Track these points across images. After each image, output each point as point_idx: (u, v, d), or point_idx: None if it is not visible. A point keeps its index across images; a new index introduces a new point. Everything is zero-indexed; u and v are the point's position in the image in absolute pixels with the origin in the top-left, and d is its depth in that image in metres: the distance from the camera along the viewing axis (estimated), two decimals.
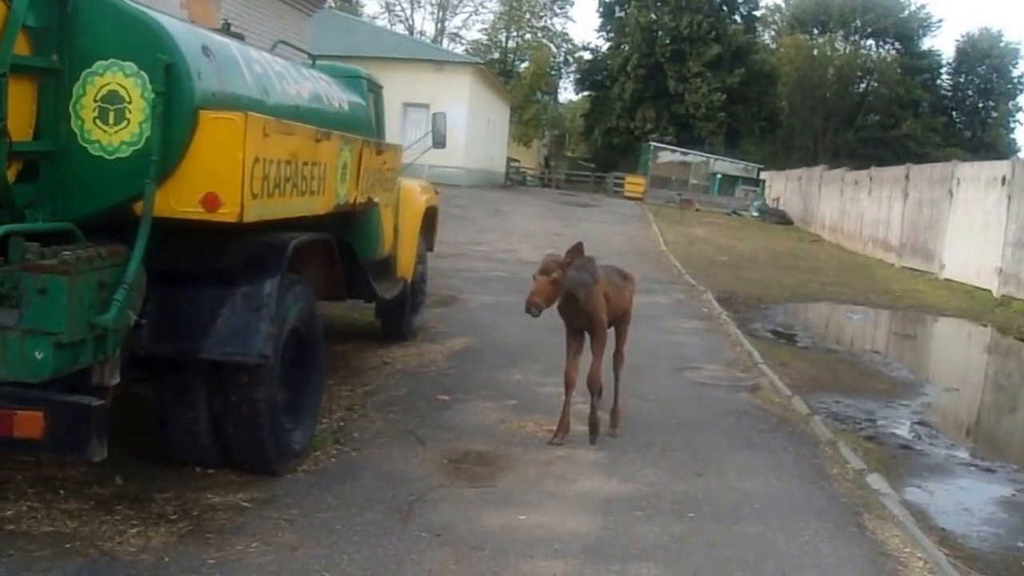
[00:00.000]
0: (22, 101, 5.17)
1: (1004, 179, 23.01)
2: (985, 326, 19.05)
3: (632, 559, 5.54)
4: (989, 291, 22.62)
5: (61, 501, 5.76)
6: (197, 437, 6.13)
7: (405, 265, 10.40)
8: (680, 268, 22.75)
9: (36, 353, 4.66)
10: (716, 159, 62.46)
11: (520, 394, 9.13)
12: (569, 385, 7.73)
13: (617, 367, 8.50)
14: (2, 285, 4.65)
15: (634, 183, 55.88)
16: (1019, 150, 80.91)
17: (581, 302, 7.47)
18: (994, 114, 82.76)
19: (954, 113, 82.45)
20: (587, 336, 7.84)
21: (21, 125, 5.15)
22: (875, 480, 7.47)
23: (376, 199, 8.49)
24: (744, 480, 7.22)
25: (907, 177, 30.99)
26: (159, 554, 5.17)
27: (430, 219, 11.66)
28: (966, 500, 7.97)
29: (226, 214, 5.40)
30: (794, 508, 6.75)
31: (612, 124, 68.35)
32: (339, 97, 8.24)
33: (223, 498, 5.96)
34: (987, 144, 75.85)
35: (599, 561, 5.53)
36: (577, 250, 7.39)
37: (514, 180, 58.81)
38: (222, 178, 5.38)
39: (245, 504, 5.91)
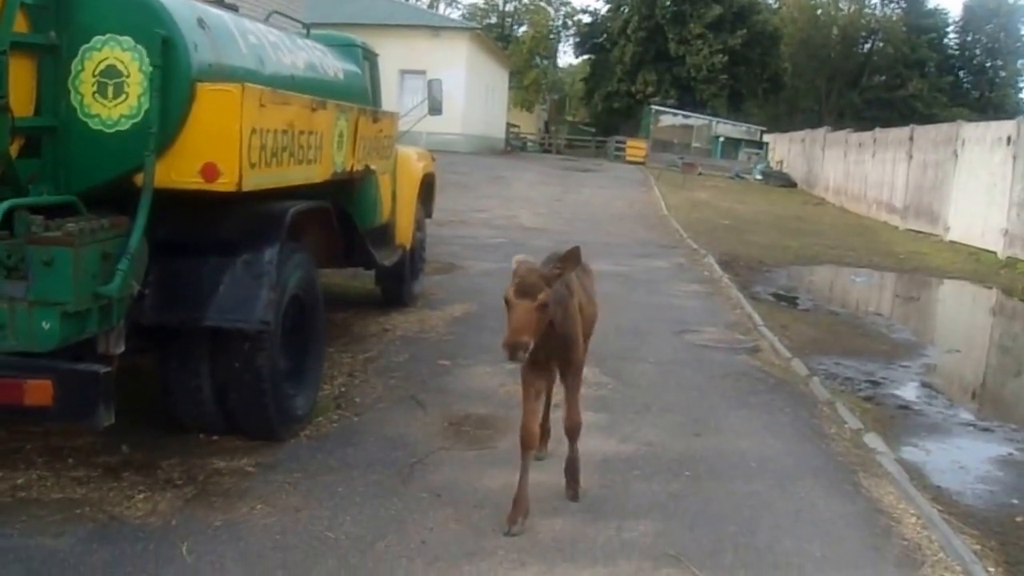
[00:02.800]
0: (22, 78, 5.33)
1: (1009, 139, 23.07)
2: (990, 288, 19.18)
3: (629, 516, 5.74)
4: (994, 253, 22.73)
5: (70, 469, 5.96)
6: (201, 405, 6.32)
7: (403, 232, 10.57)
8: (682, 232, 22.91)
9: (43, 323, 4.85)
10: (718, 122, 62.39)
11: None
12: (529, 444, 5.58)
13: (572, 417, 5.98)
14: (9, 258, 4.82)
15: (635, 147, 55.96)
16: None
17: (557, 325, 5.33)
18: (1002, 73, 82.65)
19: (961, 73, 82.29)
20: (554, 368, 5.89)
21: (22, 101, 5.31)
22: (872, 439, 7.66)
23: (373, 167, 8.65)
24: (741, 440, 7.42)
25: (911, 138, 31.08)
26: (167, 518, 5.37)
27: (428, 186, 11.83)
28: (962, 459, 8.16)
29: (225, 184, 5.58)
30: (790, 467, 6.95)
31: (612, 88, 68.33)
32: (334, 66, 8.38)
33: (228, 463, 6.16)
34: (995, 104, 75.81)
35: (597, 519, 5.74)
36: (572, 258, 5.27)
37: (514, 146, 58.89)
38: (220, 149, 5.55)
39: (249, 469, 6.11)
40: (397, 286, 11.12)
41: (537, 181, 34.62)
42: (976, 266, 21.71)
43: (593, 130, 72.22)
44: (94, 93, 5.53)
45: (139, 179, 5.48)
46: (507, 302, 4.99)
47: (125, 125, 5.53)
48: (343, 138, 7.54)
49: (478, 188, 29.12)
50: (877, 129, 37.44)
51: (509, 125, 61.29)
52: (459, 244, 17.44)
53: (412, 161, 11.02)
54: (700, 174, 47.09)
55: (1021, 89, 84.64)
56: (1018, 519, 6.69)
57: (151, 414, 6.61)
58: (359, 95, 8.83)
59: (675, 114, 61.92)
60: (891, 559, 5.58)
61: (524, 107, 70.22)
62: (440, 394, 8.07)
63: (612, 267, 15.64)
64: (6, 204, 4.85)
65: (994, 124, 26.33)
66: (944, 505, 6.62)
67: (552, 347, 5.43)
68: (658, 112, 61.45)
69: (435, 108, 10.97)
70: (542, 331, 5.06)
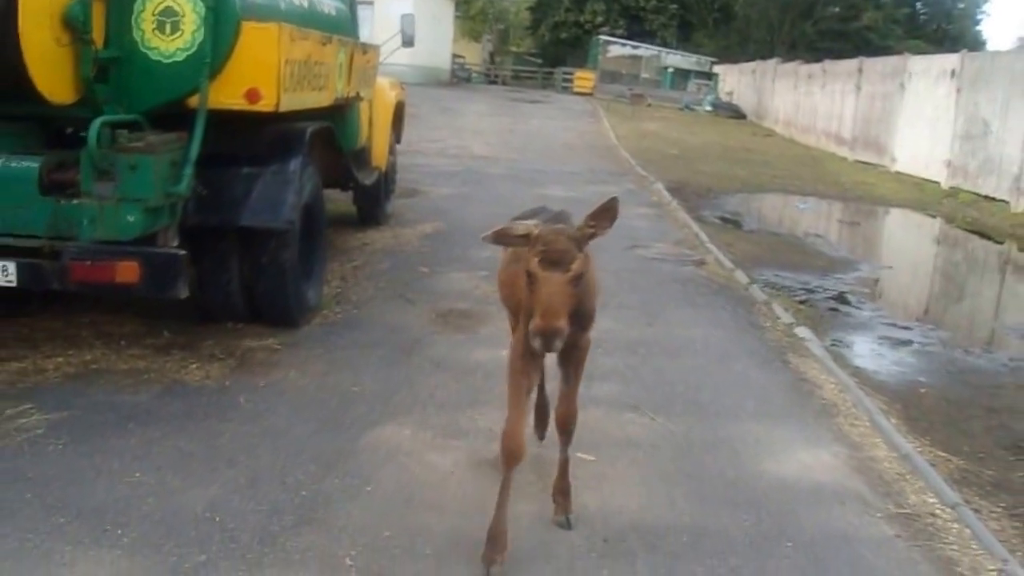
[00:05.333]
0: (95, 17, 6.72)
1: (953, 72, 24.79)
2: (933, 216, 20.99)
3: (596, 380, 7.29)
4: (938, 183, 24.52)
5: (125, 349, 7.38)
6: (231, 296, 7.77)
7: (379, 155, 12.04)
8: (631, 161, 24.54)
9: (128, 217, 6.30)
10: (668, 53, 63.81)
11: (490, 267, 10.77)
12: (513, 457, 4.62)
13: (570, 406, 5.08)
14: (101, 164, 6.27)
15: (583, 78, 57.36)
16: (986, 43, 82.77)
17: (579, 296, 4.30)
18: (960, 5, 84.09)
19: (918, 4, 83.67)
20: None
21: (95, 37, 6.72)
22: (802, 331, 9.30)
23: (362, 94, 10.13)
24: (688, 329, 9.06)
25: (860, 71, 32.79)
26: (220, 381, 6.86)
27: (399, 113, 13.33)
28: (880, 349, 9.86)
29: (265, 105, 7.07)
30: (729, 349, 8.61)
31: (560, 18, 69.37)
32: (329, 4, 9.78)
33: (258, 343, 7.65)
34: (952, 36, 77.23)
35: None
36: (609, 213, 4.26)
37: (459, 77, 60.00)
38: (261, 76, 7.03)
39: (276, 347, 7.61)
40: (373, 205, 12.64)
41: (486, 112, 36.06)
42: (920, 195, 23.51)
43: (540, 61, 73.38)
44: (154, 29, 6.94)
45: (192, 101, 6.93)
46: (531, 276, 4.12)
47: (180, 56, 6.95)
48: (342, 68, 8.99)
49: (428, 119, 30.43)
50: (826, 61, 39.06)
51: (454, 56, 62.32)
52: (418, 172, 18.86)
53: (386, 90, 12.49)
54: (649, 105, 48.68)
55: (980, 21, 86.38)
56: (921, 391, 8.37)
57: (181, 311, 8.04)
58: (348, 29, 10.25)
59: (623, 45, 63.22)
60: (811, 411, 7.23)
61: (471, 37, 71.13)
62: (424, 294, 9.61)
63: (565, 192, 17.21)
64: (99, 120, 6.27)
65: (939, 58, 28.02)
66: (860, 379, 8.26)
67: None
68: (606, 43, 62.72)
69: (407, 41, 12.36)
70: (575, 307, 4.25)
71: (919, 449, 6.60)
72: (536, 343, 4.06)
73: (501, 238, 4.36)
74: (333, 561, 4.55)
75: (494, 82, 62.93)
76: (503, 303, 5.56)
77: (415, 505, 5.17)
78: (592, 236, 4.29)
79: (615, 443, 6.22)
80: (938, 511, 5.63)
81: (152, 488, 5.15)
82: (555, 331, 4.01)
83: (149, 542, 4.60)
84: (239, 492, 5.18)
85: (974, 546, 5.24)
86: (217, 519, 4.86)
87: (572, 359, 4.98)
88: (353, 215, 12.85)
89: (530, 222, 4.37)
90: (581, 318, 4.63)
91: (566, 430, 5.11)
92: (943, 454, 6.66)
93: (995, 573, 4.97)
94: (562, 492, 5.15)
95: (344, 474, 5.48)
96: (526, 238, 4.23)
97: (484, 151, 24.22)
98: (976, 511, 5.71)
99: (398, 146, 14.22)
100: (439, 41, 55.57)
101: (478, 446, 5.97)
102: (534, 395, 5.34)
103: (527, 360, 4.69)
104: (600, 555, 4.79)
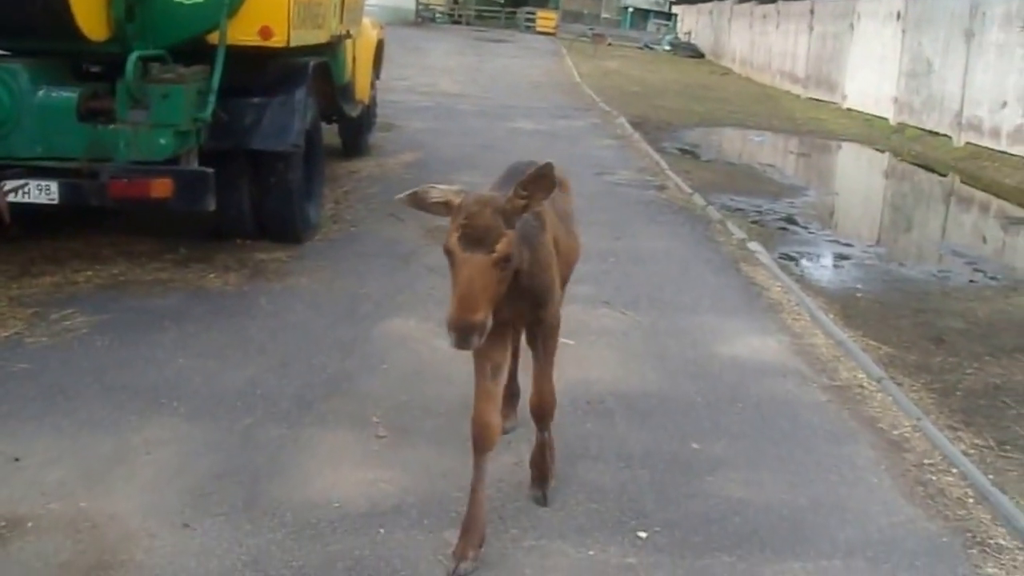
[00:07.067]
0: None
1: (899, 14, 25.66)
2: (880, 151, 21.96)
3: (572, 284, 7.94)
4: (886, 119, 25.49)
5: (147, 263, 8.11)
6: (241, 214, 8.52)
7: (363, 89, 12.76)
8: (595, 97, 25.38)
9: (161, 140, 7.07)
10: None
11: (470, 190, 11.67)
12: (483, 443, 4.15)
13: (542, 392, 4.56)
14: (137, 93, 7.03)
15: (546, 18, 57.93)
16: None
17: (524, 274, 3.82)
18: None
19: None
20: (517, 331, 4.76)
21: None
22: (754, 245, 10.20)
23: (352, 32, 10.87)
24: (651, 242, 9.96)
25: (812, 11, 33.59)
26: (238, 287, 7.66)
27: (379, 51, 14.08)
28: (823, 261, 10.83)
29: (277, 41, 7.84)
30: (688, 258, 9.54)
31: None
32: None
33: (268, 255, 8.43)
34: None
35: None
36: (544, 180, 3.62)
37: (424, 17, 60.29)
38: (274, 14, 7.79)
39: (285, 259, 8.41)
40: (356, 137, 13.43)
41: (452, 51, 36.71)
42: (869, 131, 24.48)
43: (503, 1, 73.63)
44: None
45: (212, 38, 7.64)
46: (449, 254, 3.51)
47: None
48: (336, 8, 9.73)
49: (396, 58, 30.74)
50: (780, 2, 39.73)
51: None
52: (391, 108, 19.49)
53: (368, 28, 13.19)
54: (610, 45, 49.32)
55: None
56: (858, 295, 9.30)
57: (193, 231, 8.81)
58: None
59: None
60: (759, 308, 8.14)
61: None
62: (412, 213, 10.17)
63: (534, 126, 18.10)
64: (135, 55, 7.02)
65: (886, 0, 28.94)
66: (803, 284, 9.18)
67: (517, 302, 3.89)
68: None
69: None
70: (502, 293, 3.60)
71: (852, 338, 7.52)
72: (451, 339, 3.40)
73: (417, 202, 3.77)
74: (361, 420, 5.39)
75: (458, 22, 63.29)
76: None
77: (427, 378, 6.03)
78: (525, 209, 3.64)
79: (591, 331, 7.10)
80: (865, 384, 6.55)
81: (196, 371, 5.95)
82: (470, 326, 3.36)
83: (202, 411, 5.39)
84: (272, 372, 6.00)
85: (894, 409, 6.16)
86: (258, 392, 5.67)
87: (537, 336, 4.42)
88: (338, 146, 13.59)
89: (453, 187, 3.74)
90: (535, 295, 4.02)
91: (542, 416, 4.61)
92: (873, 343, 7.58)
93: (910, 428, 5.89)
94: (538, 466, 4.71)
95: (362, 356, 6.34)
96: (446, 206, 3.64)
97: (453, 88, 24.95)
98: (899, 385, 6.63)
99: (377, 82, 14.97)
100: None
101: None
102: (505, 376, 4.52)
103: (490, 345, 3.83)
104: (584, 413, 5.67)
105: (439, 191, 3.70)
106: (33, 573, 3.79)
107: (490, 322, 3.46)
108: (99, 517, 4.19)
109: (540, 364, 4.48)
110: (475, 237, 3.45)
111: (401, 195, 3.82)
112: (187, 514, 4.26)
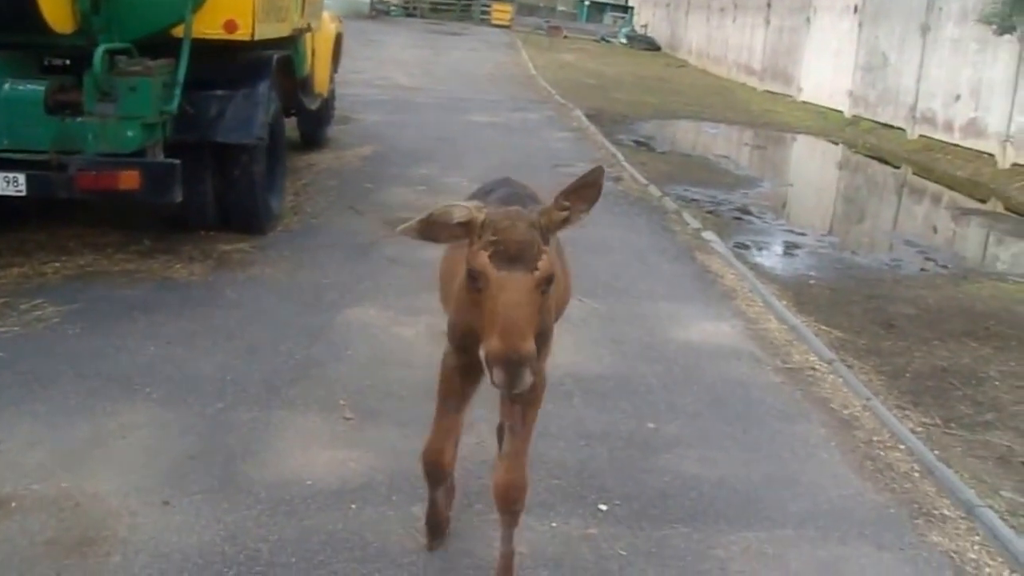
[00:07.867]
0: None
1: (856, 8, 26.05)
2: (835, 143, 22.32)
3: None
4: (841, 112, 25.82)
5: (113, 255, 8.23)
6: (205, 206, 8.67)
7: (321, 83, 12.92)
8: (550, 90, 25.58)
9: (128, 132, 7.22)
10: None
11: (428, 183, 11.92)
12: (435, 475, 3.92)
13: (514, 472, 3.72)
14: (104, 86, 7.18)
15: (501, 11, 57.94)
16: None
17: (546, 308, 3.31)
18: None
19: None
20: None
21: None
22: (708, 235, 10.49)
23: (312, 26, 11.05)
24: (607, 231, 10.17)
25: (769, 5, 33.87)
26: (204, 277, 7.82)
27: (338, 45, 14.21)
28: (776, 250, 11.12)
29: (242, 34, 8.01)
30: (643, 247, 9.81)
31: None
32: None
33: (231, 246, 8.59)
34: None
35: None
36: (593, 187, 3.29)
37: (378, 10, 60.19)
38: (238, 8, 7.97)
39: (249, 249, 8.57)
40: (315, 129, 13.59)
41: (407, 44, 36.78)
42: (824, 123, 24.84)
43: None
44: None
45: (177, 31, 7.81)
46: (480, 278, 3.01)
47: None
48: (297, 2, 9.91)
49: (351, 51, 30.58)
50: None
51: None
52: (348, 101, 19.57)
53: (327, 22, 13.34)
54: (566, 37, 49.52)
55: None
56: (811, 283, 9.60)
57: (156, 223, 8.94)
58: None
59: None
60: (714, 295, 8.42)
61: None
62: (372, 205, 10.62)
63: (490, 119, 18.33)
64: (102, 47, 7.17)
65: None
66: (757, 272, 9.47)
67: None
68: None
69: None
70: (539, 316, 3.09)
71: (805, 323, 7.82)
72: (498, 377, 2.87)
73: (429, 230, 3.14)
74: (329, 403, 5.61)
75: (412, 15, 63.17)
76: (442, 303, 4.26)
77: (389, 364, 6.25)
78: (564, 223, 3.17)
79: None
80: (817, 366, 6.85)
81: (166, 358, 6.13)
82: (522, 358, 2.85)
83: (174, 396, 5.58)
84: (241, 358, 6.19)
85: (845, 390, 6.46)
86: (228, 377, 5.87)
87: (520, 399, 3.54)
88: (296, 139, 13.73)
89: (471, 202, 3.19)
90: (538, 341, 3.08)
91: (509, 508, 3.71)
92: (825, 328, 7.87)
93: (860, 407, 6.17)
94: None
95: (327, 343, 6.54)
96: (466, 227, 3.07)
97: (409, 82, 25.06)
98: (849, 367, 6.93)
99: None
100: None
101: (435, 321, 7.01)
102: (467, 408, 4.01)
103: (463, 371, 3.61)
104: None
105: (463, 209, 3.07)
106: (20, 550, 3.97)
107: (536, 355, 2.93)
108: (81, 497, 4.39)
109: (517, 437, 3.66)
110: (511, 254, 2.94)
111: (409, 223, 3.16)
112: (166, 492, 4.47)
